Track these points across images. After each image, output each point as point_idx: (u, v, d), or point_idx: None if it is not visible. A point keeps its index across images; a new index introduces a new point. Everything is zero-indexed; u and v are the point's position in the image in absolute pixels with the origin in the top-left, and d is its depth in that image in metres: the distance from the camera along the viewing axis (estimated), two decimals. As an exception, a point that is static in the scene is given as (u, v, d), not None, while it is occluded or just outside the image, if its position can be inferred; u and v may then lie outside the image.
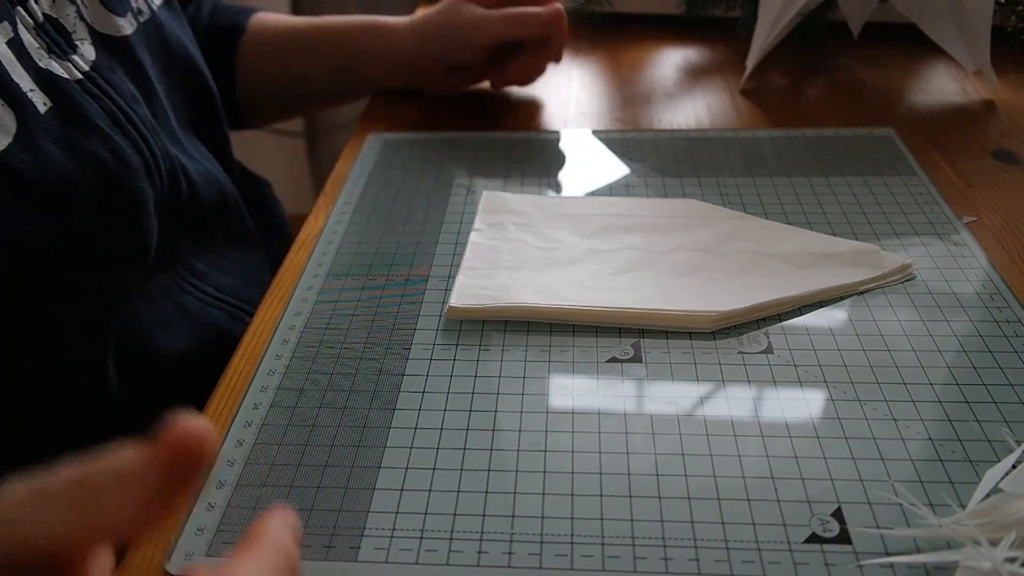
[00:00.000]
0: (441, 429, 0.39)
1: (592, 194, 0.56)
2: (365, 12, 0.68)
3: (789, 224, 0.51)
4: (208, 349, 0.51)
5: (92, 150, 0.45)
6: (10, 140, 0.40)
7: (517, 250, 0.49)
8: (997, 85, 0.66)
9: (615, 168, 0.59)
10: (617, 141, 0.62)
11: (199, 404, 0.43)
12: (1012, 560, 0.30)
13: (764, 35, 0.68)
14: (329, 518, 0.35)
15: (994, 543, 0.30)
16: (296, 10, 1.44)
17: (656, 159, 0.60)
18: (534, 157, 0.61)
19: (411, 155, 0.62)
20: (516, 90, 0.72)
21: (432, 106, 0.70)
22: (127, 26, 0.50)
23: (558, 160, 0.60)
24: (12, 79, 0.41)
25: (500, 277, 0.47)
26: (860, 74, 0.72)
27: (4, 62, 0.41)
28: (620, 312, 0.44)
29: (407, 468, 0.37)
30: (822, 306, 0.45)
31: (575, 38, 0.81)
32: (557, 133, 0.64)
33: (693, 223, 0.51)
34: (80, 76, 0.45)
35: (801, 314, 0.45)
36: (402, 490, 0.36)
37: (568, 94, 0.71)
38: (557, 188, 0.57)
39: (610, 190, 0.56)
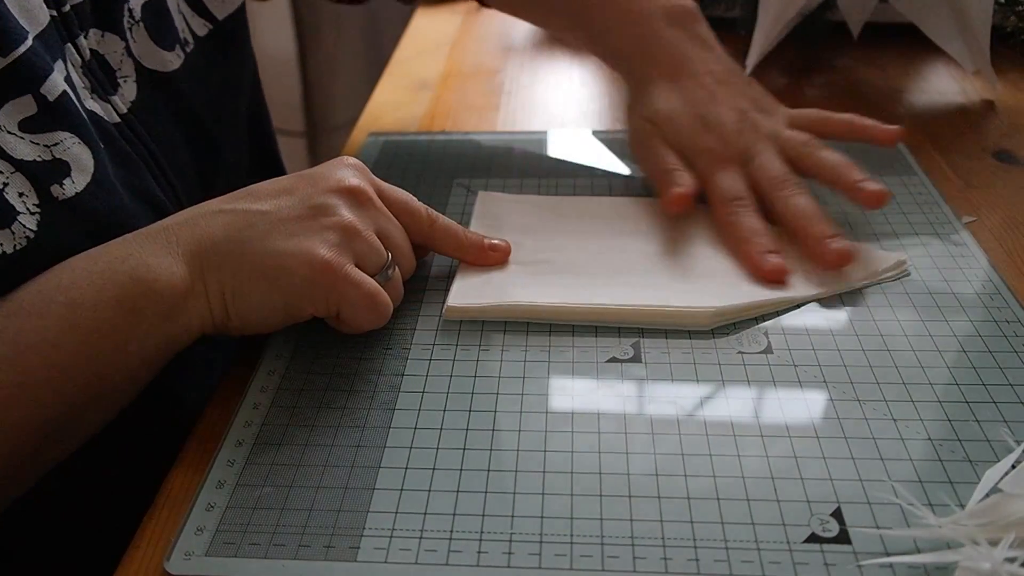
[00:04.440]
0: (441, 429, 0.39)
1: (592, 194, 0.56)
2: (367, 21, 0.66)
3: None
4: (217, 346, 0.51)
5: (147, 190, 0.45)
6: (88, 179, 0.40)
7: (514, 250, 0.49)
8: (997, 85, 0.66)
9: (615, 168, 0.59)
10: (617, 141, 0.62)
11: (207, 391, 0.43)
12: (1011, 560, 0.30)
13: (764, 35, 0.68)
14: (329, 518, 0.35)
15: (993, 543, 0.30)
16: (296, 15, 1.44)
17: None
18: (534, 157, 0.61)
19: (411, 155, 0.62)
20: (515, 90, 0.72)
21: (432, 106, 0.70)
22: (175, 60, 0.49)
23: (558, 160, 0.60)
24: (84, 118, 0.41)
25: (497, 277, 0.47)
26: (860, 74, 0.72)
27: (73, 100, 0.40)
28: (618, 310, 0.44)
29: (407, 468, 0.37)
30: (822, 306, 0.45)
31: (575, 38, 0.81)
32: (557, 133, 0.64)
33: (689, 222, 0.51)
34: (118, 119, 0.44)
35: (800, 314, 0.44)
36: (402, 490, 0.36)
37: (568, 94, 0.71)
38: (556, 188, 0.57)
39: (610, 190, 0.56)
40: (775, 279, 0.46)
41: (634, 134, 0.54)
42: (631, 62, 0.55)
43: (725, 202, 0.49)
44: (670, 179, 0.50)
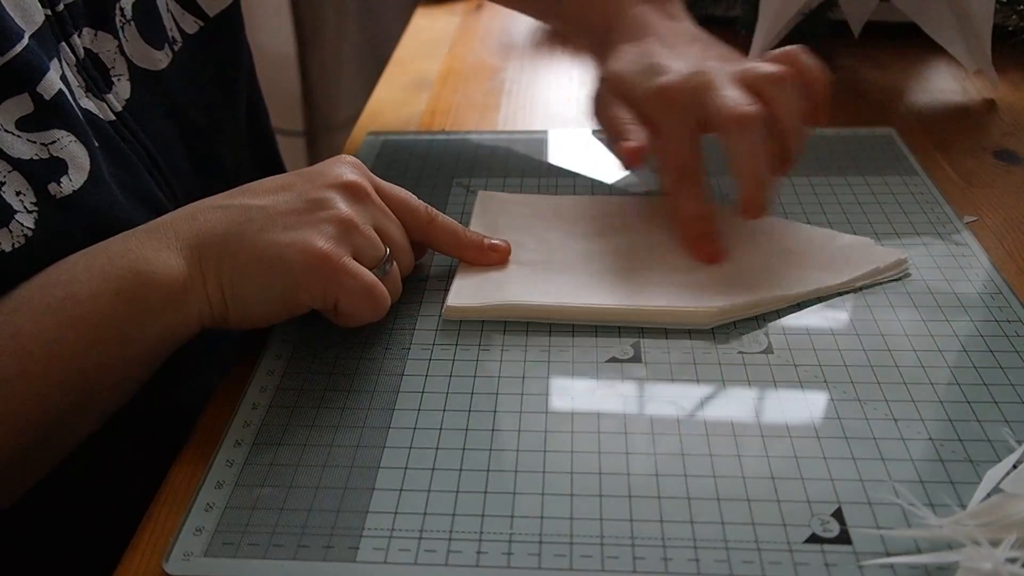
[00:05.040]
0: (440, 429, 0.39)
1: (592, 194, 0.56)
2: (366, 19, 0.66)
3: (788, 222, 0.51)
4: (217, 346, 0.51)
5: (144, 188, 0.45)
6: (85, 178, 0.40)
7: (514, 250, 0.49)
8: (998, 84, 0.66)
9: (615, 168, 0.59)
10: (617, 141, 0.62)
11: (207, 391, 0.43)
12: (1013, 561, 0.30)
13: (764, 34, 0.67)
14: (328, 518, 0.35)
15: (995, 544, 0.30)
16: (296, 14, 1.44)
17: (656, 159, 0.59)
18: (534, 157, 0.60)
19: (411, 155, 0.61)
20: (515, 89, 0.72)
21: (432, 105, 0.70)
22: (164, 59, 0.49)
23: (558, 160, 0.60)
24: (79, 116, 0.41)
25: (497, 277, 0.47)
26: (861, 74, 0.72)
27: (68, 99, 0.40)
28: (618, 310, 0.44)
29: (406, 468, 0.37)
30: (822, 306, 0.45)
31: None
32: (557, 133, 0.64)
33: None
34: (113, 117, 0.44)
35: (801, 314, 0.44)
36: (401, 490, 0.36)
37: (568, 94, 0.71)
38: (556, 188, 0.57)
39: (610, 190, 0.56)
40: (712, 261, 0.46)
41: (592, 98, 0.53)
42: (596, 36, 0.54)
43: (668, 168, 0.48)
44: (618, 134, 0.48)
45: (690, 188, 0.47)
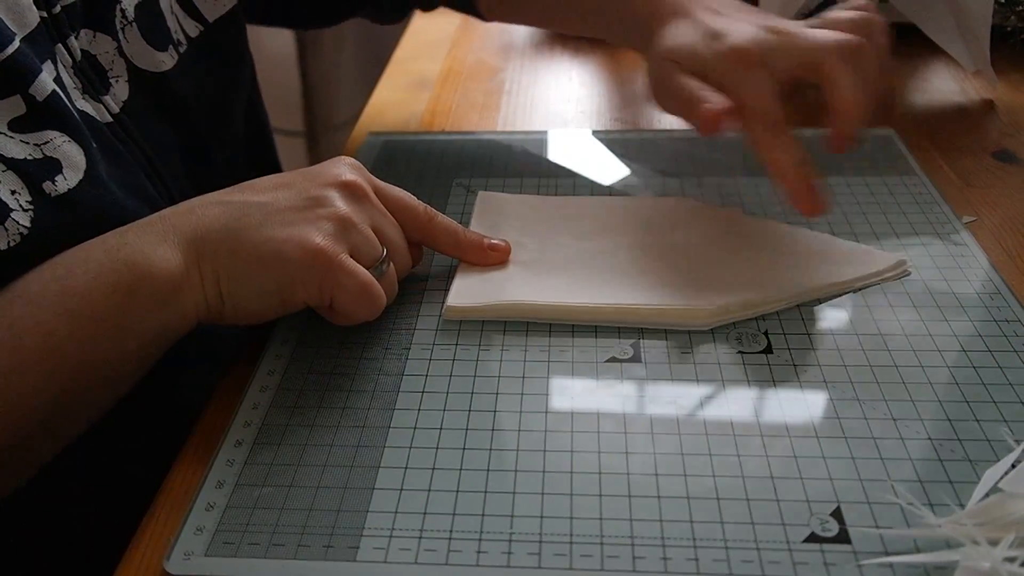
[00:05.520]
0: (440, 429, 0.39)
1: (592, 194, 0.56)
2: (363, 36, 0.65)
3: (789, 223, 0.51)
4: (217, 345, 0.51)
5: (141, 188, 0.45)
6: (81, 177, 0.41)
7: (514, 250, 0.49)
8: (997, 85, 0.66)
9: (615, 168, 0.59)
10: (617, 141, 0.62)
11: (207, 391, 0.43)
12: (1011, 560, 0.30)
13: (764, 35, 0.67)
14: (328, 518, 0.35)
15: (993, 543, 0.30)
16: (297, 38, 1.44)
17: (656, 159, 0.60)
18: (534, 157, 0.61)
19: (411, 155, 0.61)
20: (515, 89, 0.72)
21: (432, 105, 0.70)
22: (168, 60, 0.49)
23: (558, 160, 0.60)
24: (75, 117, 0.41)
25: (497, 277, 0.47)
26: (860, 74, 0.72)
27: (63, 100, 0.41)
28: (618, 309, 0.44)
29: (406, 468, 0.37)
30: (821, 306, 0.45)
31: (575, 38, 0.81)
32: (557, 133, 0.64)
33: (689, 222, 0.51)
34: (110, 119, 0.45)
35: (800, 314, 0.44)
36: (401, 490, 0.36)
37: (568, 94, 0.71)
38: (556, 188, 0.57)
39: (610, 190, 0.56)
40: (821, 212, 0.44)
41: (651, 79, 0.50)
42: (643, 24, 0.52)
43: (756, 123, 0.45)
44: (697, 100, 0.45)
45: (784, 138, 0.45)
